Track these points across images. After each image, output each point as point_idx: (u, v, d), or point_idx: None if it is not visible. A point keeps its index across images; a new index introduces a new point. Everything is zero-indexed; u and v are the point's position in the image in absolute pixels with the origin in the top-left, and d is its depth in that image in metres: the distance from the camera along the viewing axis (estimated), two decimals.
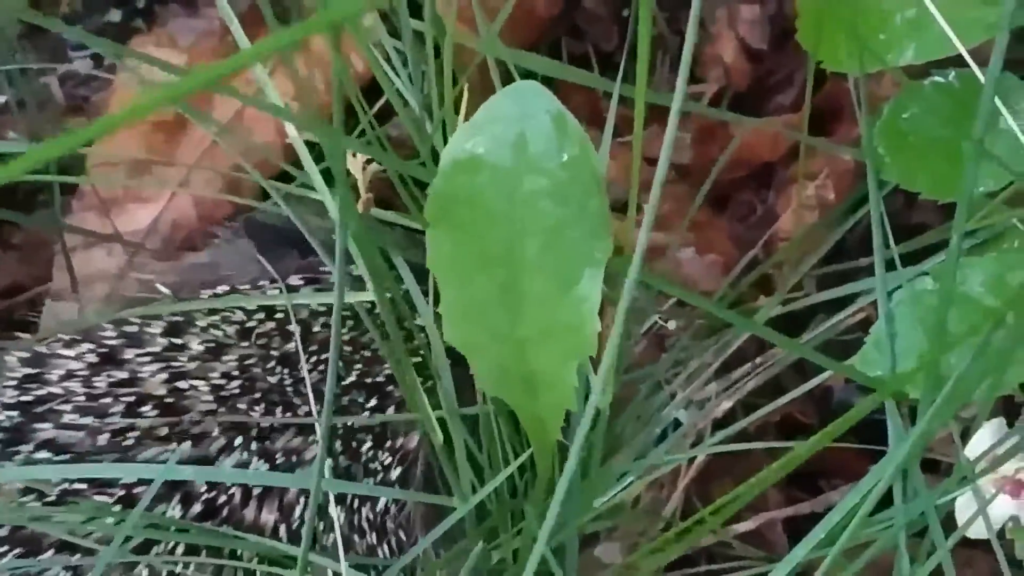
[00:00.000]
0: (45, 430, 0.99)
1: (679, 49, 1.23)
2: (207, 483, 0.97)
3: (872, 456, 1.10)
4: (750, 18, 1.21)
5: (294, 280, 1.04)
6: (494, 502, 1.00)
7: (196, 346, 1.01)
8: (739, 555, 1.08)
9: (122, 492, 0.96)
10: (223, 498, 0.97)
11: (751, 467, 1.04)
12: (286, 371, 1.01)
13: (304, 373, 0.99)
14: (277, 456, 0.99)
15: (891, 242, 0.94)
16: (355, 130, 0.99)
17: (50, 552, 0.95)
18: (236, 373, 1.00)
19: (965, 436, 0.89)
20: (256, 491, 0.98)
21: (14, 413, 1.00)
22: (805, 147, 1.08)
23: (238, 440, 0.99)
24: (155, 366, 1.00)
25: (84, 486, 0.97)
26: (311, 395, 0.99)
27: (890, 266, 0.96)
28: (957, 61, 0.93)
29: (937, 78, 0.98)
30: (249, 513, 0.98)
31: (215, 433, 0.99)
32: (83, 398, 0.99)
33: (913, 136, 0.97)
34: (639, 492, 1.08)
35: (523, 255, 0.81)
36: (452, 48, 0.94)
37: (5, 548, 0.96)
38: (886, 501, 0.87)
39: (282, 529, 0.98)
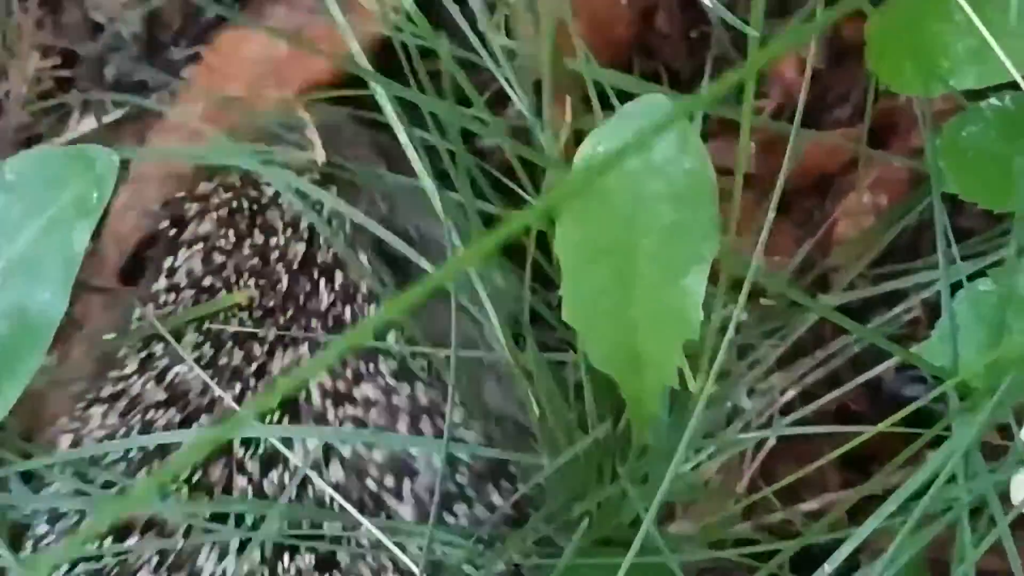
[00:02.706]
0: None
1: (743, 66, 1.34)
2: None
3: (914, 440, 1.20)
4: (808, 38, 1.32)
5: None
6: (580, 459, 1.10)
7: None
8: (801, 531, 1.17)
9: None
10: None
11: (812, 451, 1.15)
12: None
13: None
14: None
15: (952, 244, 1.04)
16: None
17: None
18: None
19: (1020, 420, 1.00)
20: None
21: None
22: (865, 158, 1.19)
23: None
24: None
25: None
26: None
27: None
28: (1013, 86, 1.03)
29: (994, 101, 1.08)
30: None
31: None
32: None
33: (972, 152, 1.07)
34: (710, 474, 1.17)
35: (640, 248, 0.91)
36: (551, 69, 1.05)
37: None
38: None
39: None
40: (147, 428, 1.08)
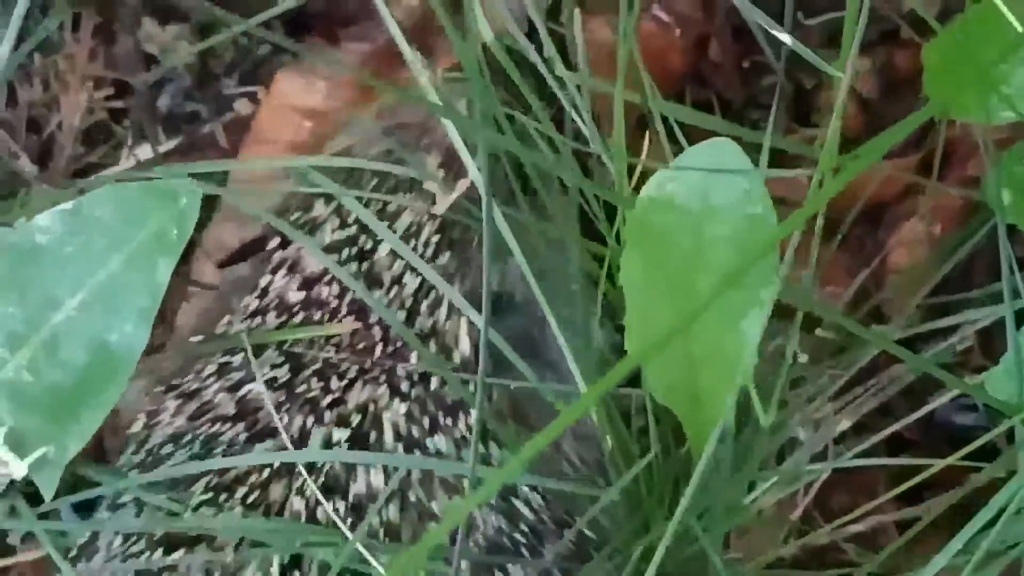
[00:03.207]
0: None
1: (795, 95, 1.34)
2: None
3: (966, 469, 1.19)
4: (862, 69, 1.32)
5: None
6: (643, 488, 1.10)
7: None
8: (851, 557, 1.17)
9: None
10: None
11: (865, 478, 1.15)
12: None
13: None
14: None
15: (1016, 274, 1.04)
16: None
17: None
18: None
19: None
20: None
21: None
22: (924, 187, 1.19)
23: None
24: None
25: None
26: None
27: (998, 297, 1.06)
28: None
29: None
30: None
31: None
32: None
33: None
34: (765, 504, 1.17)
35: (700, 288, 0.91)
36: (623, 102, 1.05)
37: None
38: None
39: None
40: (210, 440, 1.08)
